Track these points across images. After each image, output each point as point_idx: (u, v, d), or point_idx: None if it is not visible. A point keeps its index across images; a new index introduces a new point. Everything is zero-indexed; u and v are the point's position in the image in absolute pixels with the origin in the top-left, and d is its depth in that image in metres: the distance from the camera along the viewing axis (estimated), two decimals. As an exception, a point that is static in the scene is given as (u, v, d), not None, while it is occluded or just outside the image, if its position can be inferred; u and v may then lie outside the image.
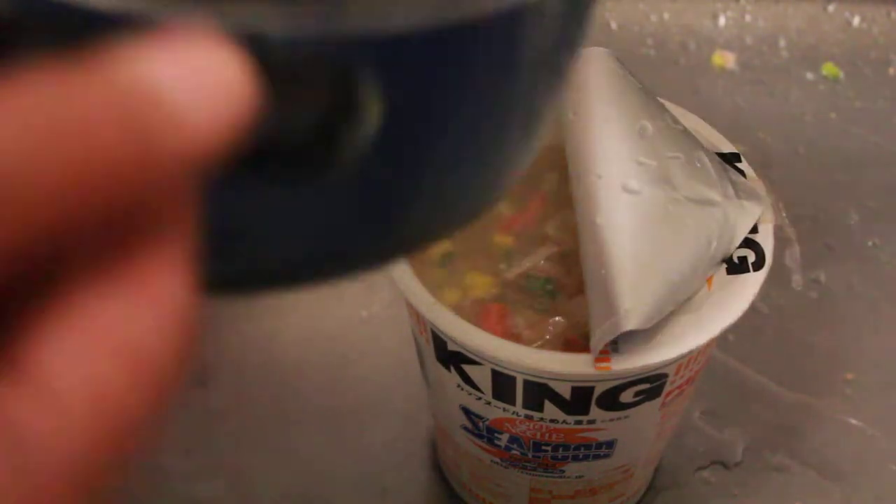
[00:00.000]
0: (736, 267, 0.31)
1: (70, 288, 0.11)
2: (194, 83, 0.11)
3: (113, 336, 0.11)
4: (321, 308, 0.48)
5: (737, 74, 0.56)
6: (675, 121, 0.33)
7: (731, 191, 0.32)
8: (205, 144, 0.11)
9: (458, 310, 0.31)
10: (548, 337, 0.32)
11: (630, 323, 0.28)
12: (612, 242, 0.29)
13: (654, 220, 0.30)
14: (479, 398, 0.32)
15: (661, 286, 0.29)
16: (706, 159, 0.32)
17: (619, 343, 0.29)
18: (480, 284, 0.33)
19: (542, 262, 0.34)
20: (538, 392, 0.30)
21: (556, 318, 0.32)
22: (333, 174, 0.14)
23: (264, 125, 0.12)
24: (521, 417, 0.32)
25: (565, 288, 0.33)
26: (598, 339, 0.28)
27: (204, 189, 0.12)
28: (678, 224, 0.30)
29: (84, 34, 0.11)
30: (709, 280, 0.31)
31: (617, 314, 0.28)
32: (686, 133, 0.33)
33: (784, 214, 0.32)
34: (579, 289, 0.33)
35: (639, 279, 0.29)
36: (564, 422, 0.32)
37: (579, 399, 0.31)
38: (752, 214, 0.32)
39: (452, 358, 0.31)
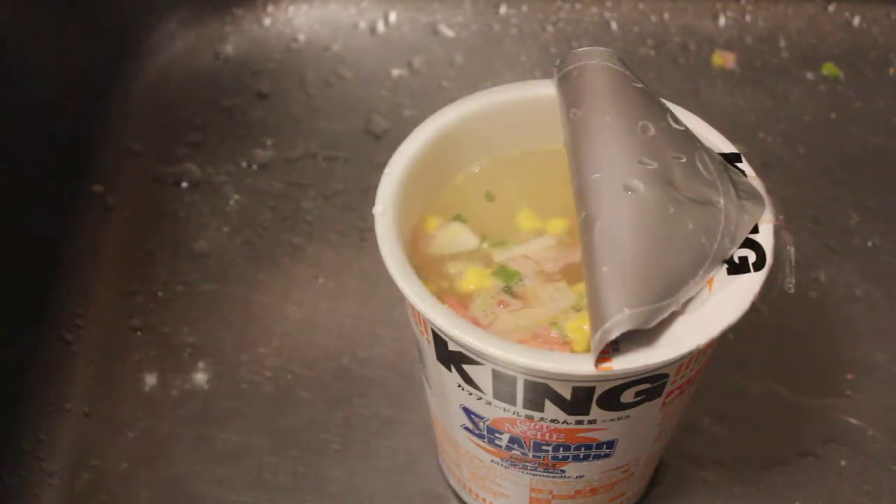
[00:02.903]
0: (736, 267, 0.31)
1: None
2: None
3: None
4: (321, 308, 0.48)
5: (737, 74, 0.57)
6: (677, 121, 0.33)
7: (732, 192, 0.32)
8: None
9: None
10: (516, 327, 0.32)
11: (631, 323, 0.28)
12: (613, 242, 0.29)
13: (655, 220, 0.30)
14: (480, 398, 0.32)
15: (663, 287, 0.29)
16: (708, 160, 0.32)
17: (619, 343, 0.29)
18: (471, 277, 0.34)
19: (535, 250, 0.34)
20: (539, 392, 0.31)
21: (526, 310, 0.33)
22: None
23: None
24: (522, 417, 0.32)
25: (547, 280, 0.34)
26: (600, 340, 0.28)
27: None
28: (679, 224, 0.30)
29: None
30: (709, 280, 0.31)
31: (618, 315, 0.28)
32: (687, 133, 0.33)
33: (781, 216, 0.32)
34: (556, 280, 0.33)
35: (640, 279, 0.29)
36: (565, 422, 0.32)
37: (580, 399, 0.31)
38: (753, 215, 0.32)
39: (453, 358, 0.31)
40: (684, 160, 0.32)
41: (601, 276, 0.29)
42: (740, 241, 0.31)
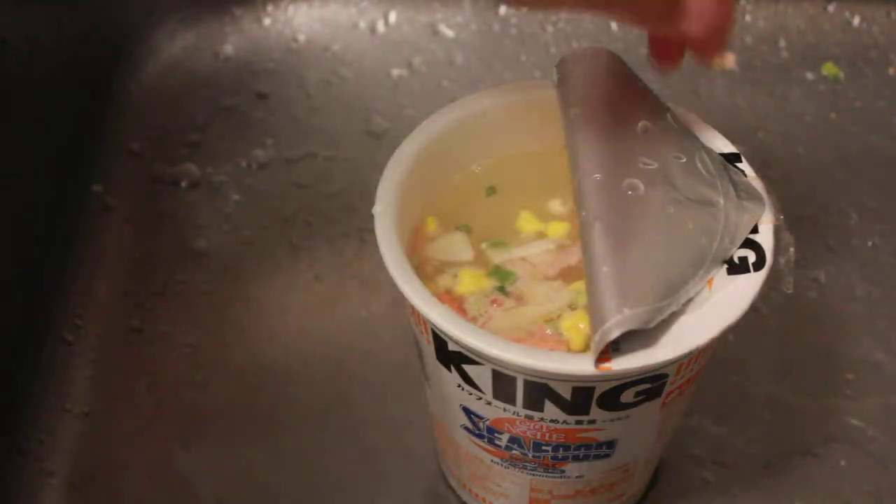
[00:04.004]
0: (736, 267, 0.31)
1: None
2: None
3: None
4: (321, 308, 0.48)
5: (737, 74, 0.56)
6: (677, 120, 0.33)
7: (732, 191, 0.32)
8: None
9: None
10: (512, 326, 0.32)
11: (631, 323, 0.28)
12: (613, 242, 0.29)
13: (655, 220, 0.30)
14: (480, 398, 0.32)
15: (663, 287, 0.29)
16: (707, 160, 0.32)
17: (619, 343, 0.29)
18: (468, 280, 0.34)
19: (533, 253, 0.34)
20: (539, 392, 0.31)
21: (521, 308, 0.33)
22: None
23: None
24: (522, 417, 0.32)
25: (543, 280, 0.34)
26: (600, 340, 0.28)
27: None
28: (679, 224, 0.30)
29: None
30: (709, 280, 0.31)
31: (618, 315, 0.28)
32: (687, 133, 0.33)
33: (782, 217, 0.32)
34: (552, 280, 0.33)
35: (640, 280, 0.29)
36: (565, 422, 0.32)
37: (580, 399, 0.31)
38: (753, 215, 0.32)
39: (453, 358, 0.31)
40: (684, 160, 0.32)
41: (601, 277, 0.29)
42: (740, 241, 0.31)
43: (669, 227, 0.30)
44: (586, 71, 0.34)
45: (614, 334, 0.28)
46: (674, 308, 0.29)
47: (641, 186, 0.30)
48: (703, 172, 0.32)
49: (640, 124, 0.32)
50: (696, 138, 0.33)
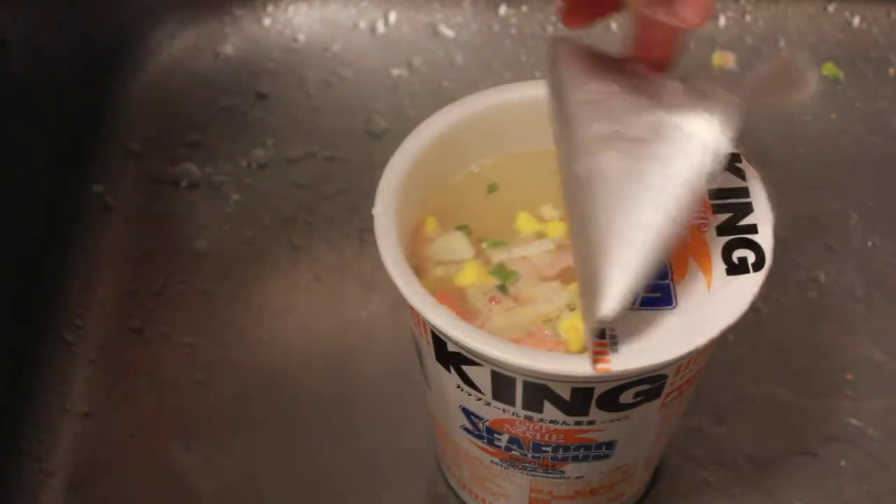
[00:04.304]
0: (735, 268, 0.31)
1: None
2: None
3: None
4: (321, 308, 0.48)
5: (737, 74, 0.56)
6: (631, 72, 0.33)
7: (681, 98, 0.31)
8: None
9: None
10: (511, 325, 0.32)
11: (608, 308, 0.27)
12: (587, 226, 0.29)
13: (623, 184, 0.28)
14: (479, 399, 0.32)
15: (642, 244, 0.28)
16: (657, 88, 0.31)
17: (619, 344, 0.29)
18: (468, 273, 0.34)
19: (533, 253, 0.34)
20: (538, 393, 0.31)
21: (520, 308, 0.33)
22: None
23: None
24: (521, 418, 0.32)
25: (542, 280, 0.34)
26: (589, 336, 0.28)
27: None
28: (648, 167, 0.29)
29: None
30: (709, 281, 0.31)
31: (599, 308, 0.27)
32: (642, 79, 0.32)
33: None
34: (551, 280, 0.33)
35: (622, 253, 0.27)
36: (564, 423, 0.32)
37: (579, 400, 0.31)
38: (708, 92, 0.30)
39: (452, 359, 0.31)
40: (637, 106, 0.31)
41: (584, 268, 0.29)
42: (709, 114, 0.30)
43: (637, 176, 0.29)
44: (555, 60, 0.34)
45: (599, 327, 0.28)
46: (666, 246, 0.28)
47: (601, 157, 0.29)
48: (660, 106, 0.30)
49: (592, 96, 0.31)
50: (646, 76, 0.33)
